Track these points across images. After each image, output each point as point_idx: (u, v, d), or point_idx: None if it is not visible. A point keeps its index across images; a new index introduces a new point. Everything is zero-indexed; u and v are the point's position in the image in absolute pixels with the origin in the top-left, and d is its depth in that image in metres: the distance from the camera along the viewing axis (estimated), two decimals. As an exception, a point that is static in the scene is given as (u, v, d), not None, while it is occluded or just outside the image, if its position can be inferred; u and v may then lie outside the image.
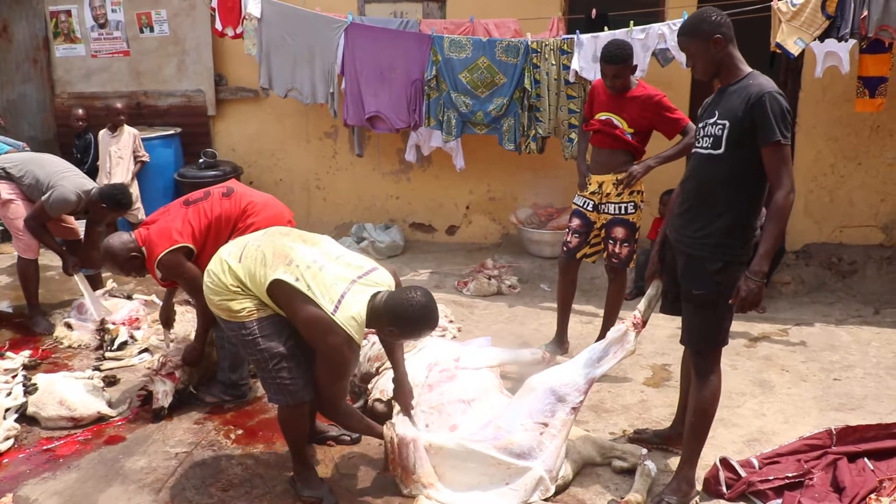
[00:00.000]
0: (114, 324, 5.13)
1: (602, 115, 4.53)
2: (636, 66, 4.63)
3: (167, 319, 4.58)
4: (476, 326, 5.46)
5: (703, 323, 3.21)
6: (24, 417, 4.06)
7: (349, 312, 3.01)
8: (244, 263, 3.21)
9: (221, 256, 3.31)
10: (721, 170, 3.09)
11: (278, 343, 3.20)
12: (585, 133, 4.82)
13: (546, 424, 3.31)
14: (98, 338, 5.13)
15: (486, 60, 6.26)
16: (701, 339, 3.24)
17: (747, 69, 3.15)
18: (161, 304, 4.73)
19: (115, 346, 4.97)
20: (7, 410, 4.00)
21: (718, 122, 3.10)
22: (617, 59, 4.32)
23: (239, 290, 3.19)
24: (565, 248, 4.72)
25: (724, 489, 3.30)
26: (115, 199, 5.07)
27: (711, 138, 3.12)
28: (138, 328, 5.23)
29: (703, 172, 3.17)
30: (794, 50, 5.30)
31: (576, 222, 4.68)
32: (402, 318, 3.02)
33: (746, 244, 3.11)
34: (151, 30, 7.79)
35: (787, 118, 2.97)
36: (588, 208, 4.63)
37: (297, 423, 3.35)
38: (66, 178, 5.18)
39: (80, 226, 5.73)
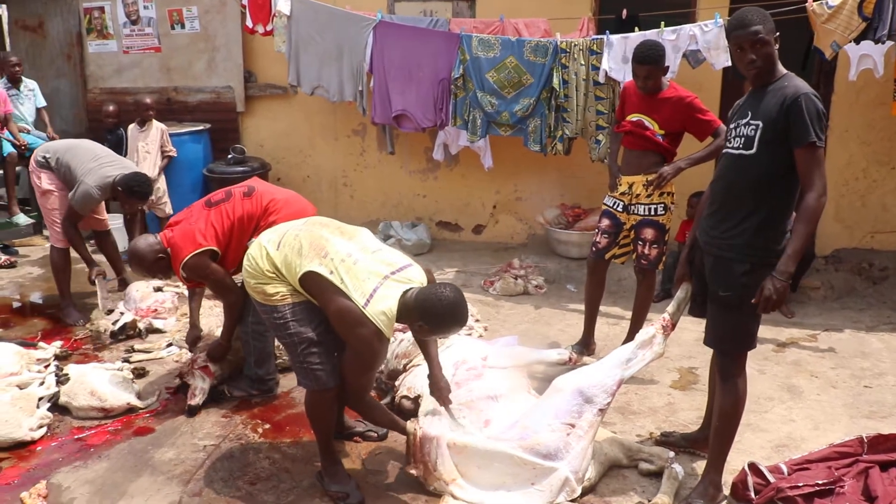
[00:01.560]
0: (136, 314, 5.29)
1: (633, 117, 4.52)
2: (668, 67, 4.60)
3: (194, 341, 4.54)
4: (502, 326, 5.46)
5: (729, 325, 3.18)
6: (57, 406, 4.12)
7: (380, 307, 3.03)
8: (281, 251, 3.25)
9: (261, 242, 3.36)
10: (752, 171, 3.06)
11: (308, 328, 3.24)
12: (616, 134, 4.81)
13: (573, 425, 3.30)
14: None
15: (513, 60, 6.25)
16: (727, 340, 3.22)
17: (783, 70, 3.11)
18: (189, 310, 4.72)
19: (118, 328, 5.10)
20: (40, 399, 4.06)
21: (752, 122, 3.07)
22: (649, 60, 4.30)
23: (274, 275, 3.25)
24: (594, 249, 4.71)
25: (753, 494, 3.26)
26: (129, 186, 5.09)
27: (743, 139, 3.09)
28: (159, 318, 5.35)
29: (734, 173, 3.14)
30: (829, 53, 5.25)
31: (605, 223, 4.67)
32: (432, 314, 3.03)
33: (775, 246, 3.07)
34: (182, 26, 7.86)
35: (822, 120, 2.95)
36: (618, 209, 4.62)
37: (323, 409, 3.37)
38: (90, 171, 5.17)
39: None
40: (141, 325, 5.21)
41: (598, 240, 4.70)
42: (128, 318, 5.21)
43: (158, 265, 4.08)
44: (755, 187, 3.06)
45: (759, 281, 3.04)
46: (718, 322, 3.22)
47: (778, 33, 3.06)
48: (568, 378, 3.48)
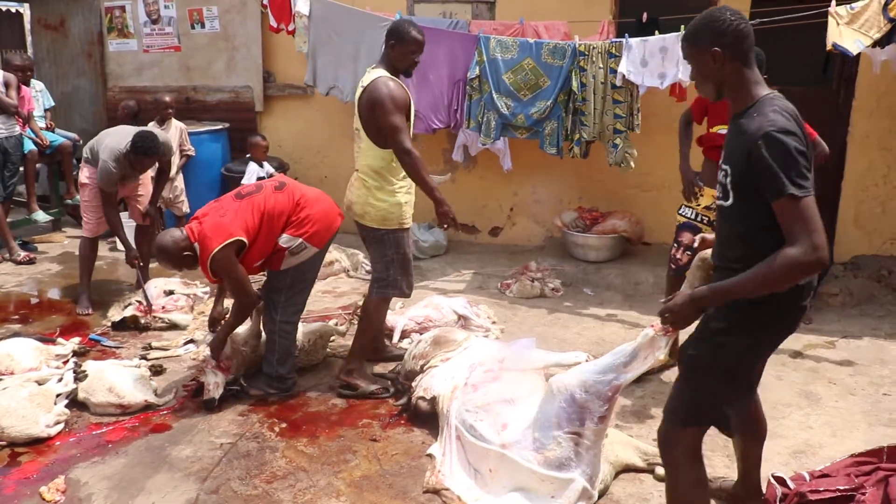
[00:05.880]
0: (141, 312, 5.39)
1: (721, 129, 4.32)
2: None
3: (214, 321, 4.72)
4: (519, 328, 5.45)
5: (683, 389, 2.73)
6: (75, 403, 4.15)
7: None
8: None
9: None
10: (734, 225, 2.52)
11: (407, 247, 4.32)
12: (688, 136, 4.62)
13: (579, 433, 3.23)
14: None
15: (531, 62, 6.22)
16: (673, 406, 2.73)
17: (758, 94, 2.46)
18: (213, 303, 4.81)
19: (118, 321, 5.29)
20: (58, 396, 4.09)
21: (723, 166, 2.52)
22: None
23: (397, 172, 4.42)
24: (674, 266, 4.49)
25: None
26: (133, 144, 5.30)
27: (720, 186, 2.54)
28: (167, 313, 5.43)
29: (720, 227, 2.65)
30: (854, 49, 5.17)
31: (687, 237, 4.39)
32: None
33: (763, 310, 2.51)
34: (202, 26, 7.91)
35: (796, 162, 2.26)
36: (703, 223, 4.41)
37: (385, 311, 4.58)
38: (104, 149, 5.38)
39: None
40: (142, 321, 5.32)
41: (678, 256, 4.45)
42: (129, 312, 5.33)
43: (185, 260, 4.07)
44: (740, 243, 2.51)
45: (735, 346, 2.57)
46: (676, 386, 2.79)
47: (721, 45, 2.44)
48: (561, 380, 3.34)
